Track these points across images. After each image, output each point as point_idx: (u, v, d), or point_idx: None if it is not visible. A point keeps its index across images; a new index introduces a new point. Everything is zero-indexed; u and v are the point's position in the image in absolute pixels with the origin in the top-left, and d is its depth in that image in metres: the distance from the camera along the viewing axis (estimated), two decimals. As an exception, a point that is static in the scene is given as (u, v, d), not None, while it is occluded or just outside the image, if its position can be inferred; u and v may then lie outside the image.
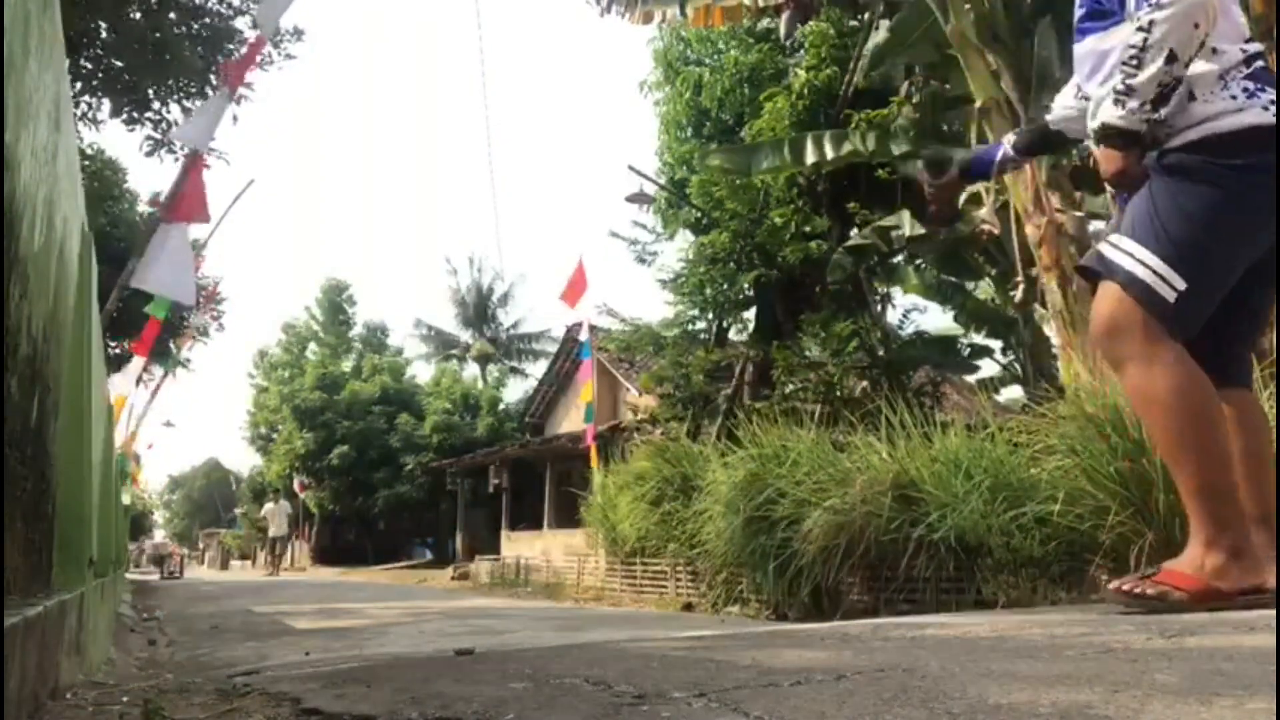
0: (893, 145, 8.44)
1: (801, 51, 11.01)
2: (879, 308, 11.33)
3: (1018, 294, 7.57)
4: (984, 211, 8.00)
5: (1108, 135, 2.14)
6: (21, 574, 1.53)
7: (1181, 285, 2.02)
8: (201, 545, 47.79)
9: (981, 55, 6.68)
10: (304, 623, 5.87)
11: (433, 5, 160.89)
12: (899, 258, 10.51)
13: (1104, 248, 2.16)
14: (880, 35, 8.71)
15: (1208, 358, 2.13)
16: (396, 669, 1.99)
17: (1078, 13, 2.34)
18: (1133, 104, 2.06)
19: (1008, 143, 2.71)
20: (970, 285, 10.69)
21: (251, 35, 9.10)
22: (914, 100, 8.88)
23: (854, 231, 10.04)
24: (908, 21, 7.93)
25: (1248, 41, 2.15)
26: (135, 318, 11.88)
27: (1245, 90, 2.06)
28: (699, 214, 12.19)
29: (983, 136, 6.75)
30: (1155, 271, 2.04)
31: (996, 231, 7.79)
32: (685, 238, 12.88)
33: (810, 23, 10.14)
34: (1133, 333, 2.07)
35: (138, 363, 10.20)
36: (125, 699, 1.77)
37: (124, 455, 12.17)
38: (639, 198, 12.95)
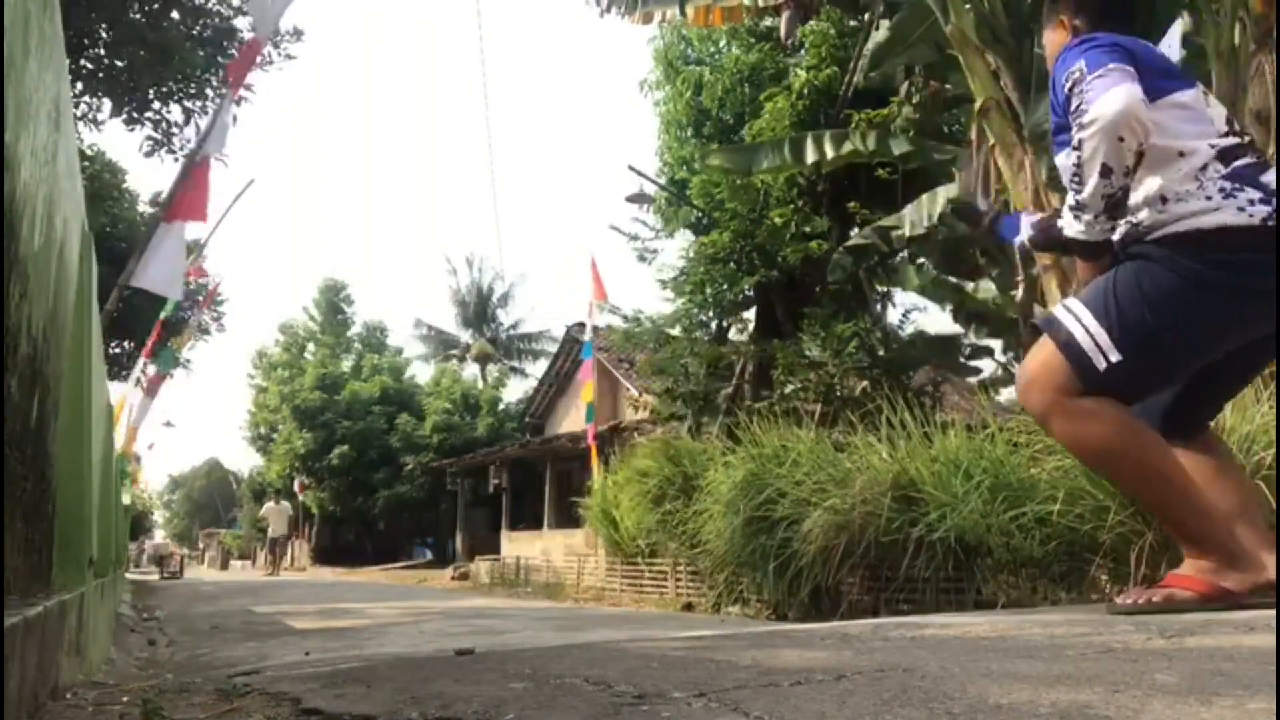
0: (893, 145, 8.43)
1: (802, 51, 11.00)
2: (879, 308, 11.31)
3: (1018, 294, 7.55)
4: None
5: (1074, 247, 2.24)
6: (21, 574, 1.53)
7: (1115, 357, 2.04)
8: (201, 545, 47.78)
9: (981, 55, 6.66)
10: (304, 623, 5.87)
11: (433, 5, 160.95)
12: (899, 258, 10.50)
13: (1057, 308, 2.21)
14: (880, 35, 8.69)
15: (1166, 419, 2.21)
16: (396, 669, 1.99)
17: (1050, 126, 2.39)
18: (1087, 217, 2.13)
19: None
20: (970, 285, 10.68)
21: (251, 35, 9.09)
22: (914, 100, 8.87)
23: (854, 231, 10.02)
24: (908, 21, 7.91)
25: (1224, 135, 2.13)
26: (135, 318, 11.89)
27: (1222, 191, 2.04)
28: (699, 214, 12.17)
29: (983, 137, 6.73)
30: (1094, 339, 2.07)
31: (997, 231, 7.78)
32: (685, 237, 12.88)
33: (810, 23, 10.13)
34: (1051, 388, 2.12)
35: (142, 365, 10.21)
36: (125, 699, 1.77)
37: (124, 455, 12.15)
38: (639, 198, 12.94)
